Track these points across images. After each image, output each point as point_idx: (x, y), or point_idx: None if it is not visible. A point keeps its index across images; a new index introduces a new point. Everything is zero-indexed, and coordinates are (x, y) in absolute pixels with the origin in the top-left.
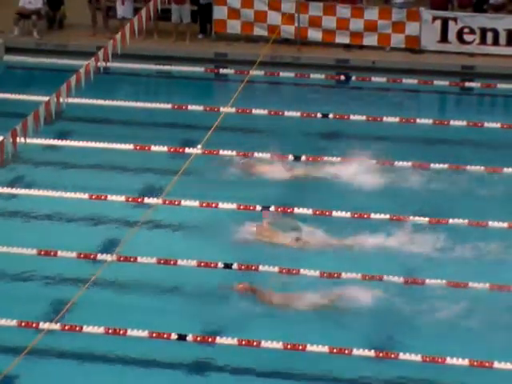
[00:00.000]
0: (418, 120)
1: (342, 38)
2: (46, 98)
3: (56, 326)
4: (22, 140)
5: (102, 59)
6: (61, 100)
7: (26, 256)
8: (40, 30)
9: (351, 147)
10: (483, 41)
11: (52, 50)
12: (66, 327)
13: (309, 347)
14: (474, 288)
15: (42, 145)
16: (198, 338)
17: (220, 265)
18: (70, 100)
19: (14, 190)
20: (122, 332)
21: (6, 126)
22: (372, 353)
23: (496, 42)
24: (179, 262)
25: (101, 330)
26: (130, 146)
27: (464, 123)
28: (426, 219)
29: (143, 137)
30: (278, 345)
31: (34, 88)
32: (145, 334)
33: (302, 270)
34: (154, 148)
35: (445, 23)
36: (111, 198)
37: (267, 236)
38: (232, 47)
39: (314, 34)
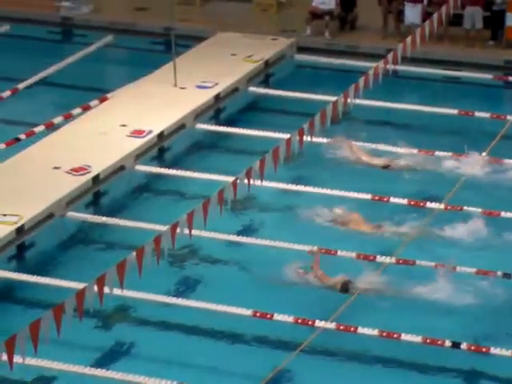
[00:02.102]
0: None
1: None
2: (333, 98)
3: (331, 325)
4: (309, 138)
5: (391, 62)
6: (348, 100)
7: (303, 252)
8: (332, 31)
9: None
10: None
11: (342, 51)
12: (341, 327)
13: None
14: None
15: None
16: (472, 347)
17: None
18: (358, 101)
19: (295, 187)
20: (395, 336)
21: (294, 125)
22: None
23: None
24: (457, 268)
25: (375, 332)
26: (414, 151)
27: None
28: None
29: (426, 141)
30: None
31: (322, 88)
32: (418, 339)
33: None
34: (437, 153)
35: None
36: (393, 200)
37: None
38: None
39: None
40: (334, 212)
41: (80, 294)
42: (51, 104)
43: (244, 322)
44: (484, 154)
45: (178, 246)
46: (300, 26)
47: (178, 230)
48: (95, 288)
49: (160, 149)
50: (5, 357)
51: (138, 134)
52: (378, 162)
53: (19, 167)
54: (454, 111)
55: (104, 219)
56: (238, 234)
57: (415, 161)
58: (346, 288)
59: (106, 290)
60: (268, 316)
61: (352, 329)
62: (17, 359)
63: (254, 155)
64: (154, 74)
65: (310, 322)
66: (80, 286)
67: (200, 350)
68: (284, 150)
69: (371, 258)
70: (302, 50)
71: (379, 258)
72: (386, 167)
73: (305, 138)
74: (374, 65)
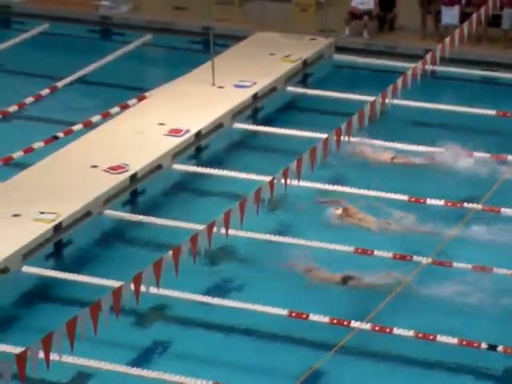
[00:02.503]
0: None
1: None
2: (371, 98)
3: (366, 326)
4: (346, 138)
5: (429, 62)
6: (386, 101)
7: (343, 252)
8: (370, 31)
9: None
10: None
11: (380, 51)
12: (377, 328)
13: None
14: None
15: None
16: (509, 350)
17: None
18: (395, 101)
19: (330, 187)
20: (431, 337)
21: (331, 125)
22: None
23: None
24: (495, 269)
25: (410, 333)
26: (442, 150)
27: None
28: None
29: (463, 141)
30: None
31: (360, 88)
32: (454, 341)
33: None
34: (476, 154)
35: None
36: (430, 201)
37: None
38: None
39: None
40: (336, 213)
41: (117, 293)
42: (89, 102)
43: (280, 321)
44: None
45: (214, 245)
46: (339, 26)
47: (215, 230)
48: (132, 286)
49: (197, 148)
50: (42, 354)
51: (175, 132)
52: (385, 157)
53: (57, 165)
54: (492, 112)
55: (141, 218)
56: (273, 233)
57: (453, 161)
58: (345, 281)
59: (143, 288)
60: (304, 316)
61: (387, 329)
62: (53, 357)
63: (292, 155)
64: (192, 73)
65: (345, 323)
66: (117, 284)
67: (235, 350)
68: (321, 149)
69: (408, 257)
70: (340, 50)
71: (416, 258)
72: (392, 159)
73: (342, 138)
74: (412, 65)
